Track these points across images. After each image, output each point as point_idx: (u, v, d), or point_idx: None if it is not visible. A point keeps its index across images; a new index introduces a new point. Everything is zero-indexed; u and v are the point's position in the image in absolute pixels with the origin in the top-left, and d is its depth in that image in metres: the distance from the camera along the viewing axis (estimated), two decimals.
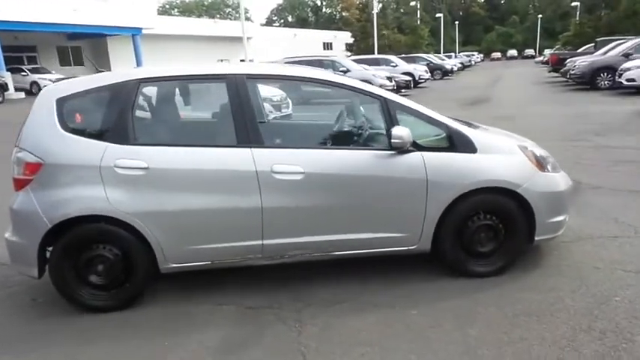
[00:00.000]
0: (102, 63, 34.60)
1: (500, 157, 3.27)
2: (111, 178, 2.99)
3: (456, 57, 44.11)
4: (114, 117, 3.07)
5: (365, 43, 41.74)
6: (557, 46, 48.74)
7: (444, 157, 3.21)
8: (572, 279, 3.27)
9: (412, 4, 57.94)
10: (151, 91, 3.22)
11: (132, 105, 3.08)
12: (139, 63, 31.42)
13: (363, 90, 3.27)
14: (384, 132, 3.22)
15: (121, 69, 3.27)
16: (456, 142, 3.23)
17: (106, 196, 2.98)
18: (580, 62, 18.00)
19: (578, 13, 57.37)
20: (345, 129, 3.58)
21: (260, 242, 3.16)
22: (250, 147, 3.08)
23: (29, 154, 3.02)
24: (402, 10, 73.74)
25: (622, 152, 7.09)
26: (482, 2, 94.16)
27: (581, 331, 2.67)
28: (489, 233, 3.32)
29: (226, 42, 47.08)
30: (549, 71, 26.12)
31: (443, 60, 34.13)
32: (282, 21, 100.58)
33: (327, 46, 62.98)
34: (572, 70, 18.11)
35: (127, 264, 3.13)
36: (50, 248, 3.13)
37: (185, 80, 3.32)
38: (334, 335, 2.78)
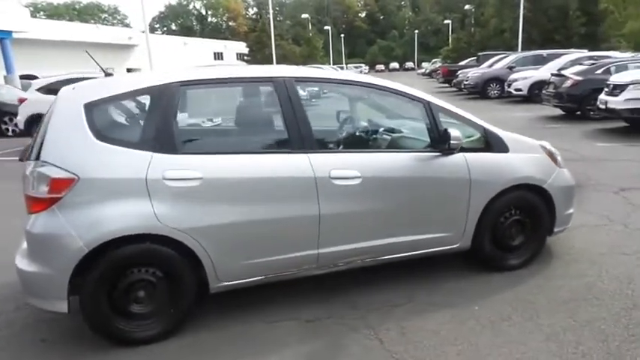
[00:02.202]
0: None
1: (528, 155, 3.51)
2: (159, 192, 2.66)
3: (346, 68, 45.96)
4: (156, 124, 2.75)
5: (261, 53, 41.73)
6: (434, 60, 53.14)
7: (483, 157, 3.36)
8: (589, 265, 3.60)
9: (303, 16, 59.34)
10: (194, 94, 2.94)
11: (175, 110, 2.79)
12: (9, 70, 27.76)
13: (408, 94, 3.31)
14: (426, 134, 3.28)
15: (157, 71, 2.95)
16: (492, 143, 3.40)
17: (153, 211, 2.65)
18: (472, 74, 19.89)
19: (450, 30, 63.24)
20: (392, 131, 3.58)
21: (316, 251, 3.03)
22: (306, 152, 2.95)
23: (57, 169, 2.57)
24: (288, 22, 75.14)
25: None
26: (364, 17, 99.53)
27: (630, 310, 2.95)
28: (518, 228, 3.54)
29: (110, 49, 43.98)
30: (440, 82, 28.36)
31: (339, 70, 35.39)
32: (164, 29, 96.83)
33: (218, 55, 61.91)
34: (466, 80, 19.93)
35: (172, 287, 2.81)
36: None
37: (229, 83, 3.07)
38: (416, 338, 2.76)
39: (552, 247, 3.96)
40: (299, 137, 2.96)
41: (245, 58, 54.41)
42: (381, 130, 3.64)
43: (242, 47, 62.53)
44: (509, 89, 16.94)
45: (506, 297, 3.19)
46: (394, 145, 3.43)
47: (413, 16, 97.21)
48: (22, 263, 2.69)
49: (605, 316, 2.89)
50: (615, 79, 9.60)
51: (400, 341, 2.74)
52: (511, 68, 18.61)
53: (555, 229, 3.66)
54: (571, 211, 3.76)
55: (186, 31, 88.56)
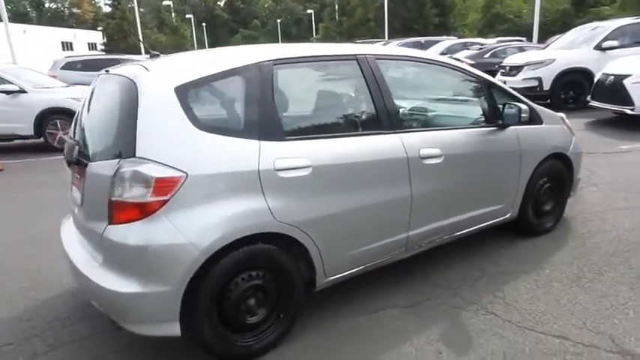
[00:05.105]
0: None
1: (556, 126, 3.79)
2: (271, 184, 2.34)
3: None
4: (256, 107, 2.39)
5: (124, 42, 38.43)
6: None
7: (528, 130, 3.53)
8: (601, 222, 4.04)
9: (165, 3, 55.86)
10: (286, 74, 2.59)
11: (273, 91, 2.46)
12: None
13: (472, 72, 3.36)
14: (487, 110, 3.35)
15: (237, 48, 2.58)
16: (532, 116, 3.59)
17: (267, 207, 2.33)
18: None
19: (313, 19, 64.95)
20: (461, 108, 3.57)
21: (406, 234, 2.94)
22: (397, 132, 2.83)
23: (161, 167, 2.11)
24: (142, 10, 70.32)
25: None
26: (224, 6, 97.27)
27: None
28: (550, 194, 3.82)
29: None
30: None
31: None
32: None
33: (67, 45, 55.60)
34: None
35: (281, 289, 2.51)
36: None
37: (317, 61, 2.77)
38: (523, 306, 2.83)
39: None
40: (388, 116, 2.82)
41: (100, 47, 49.80)
42: (452, 106, 3.64)
43: (94, 36, 57.11)
44: None
45: (562, 258, 3.43)
46: (463, 122, 3.43)
47: (273, 5, 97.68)
48: (113, 283, 2.16)
49: None
50: (511, 60, 10.78)
51: (512, 311, 2.79)
52: None
53: (571, 193, 4.03)
54: (580, 175, 4.16)
55: (20, 17, 77.94)
